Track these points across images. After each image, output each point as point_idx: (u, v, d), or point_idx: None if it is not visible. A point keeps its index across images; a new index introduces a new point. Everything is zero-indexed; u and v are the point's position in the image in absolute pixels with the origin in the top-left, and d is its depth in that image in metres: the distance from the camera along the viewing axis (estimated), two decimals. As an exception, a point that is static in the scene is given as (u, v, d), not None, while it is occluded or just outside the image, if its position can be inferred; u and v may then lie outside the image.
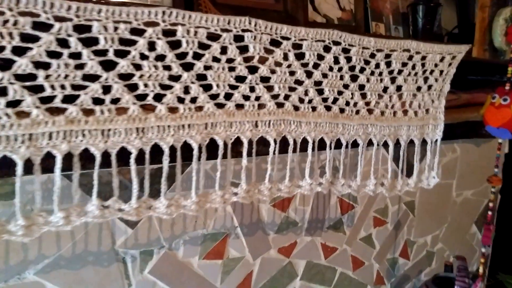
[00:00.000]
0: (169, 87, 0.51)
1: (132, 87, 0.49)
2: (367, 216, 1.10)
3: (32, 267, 0.67)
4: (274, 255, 0.95)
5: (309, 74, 0.61)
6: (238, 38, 0.54)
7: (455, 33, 1.05)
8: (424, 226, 1.26)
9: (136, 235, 0.75)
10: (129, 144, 0.49)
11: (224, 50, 0.53)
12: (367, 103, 0.68)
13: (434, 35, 0.94)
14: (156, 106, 0.51)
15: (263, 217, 0.91)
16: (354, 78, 0.66)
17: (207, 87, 0.54)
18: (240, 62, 0.55)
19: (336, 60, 0.63)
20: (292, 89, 0.60)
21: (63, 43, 0.44)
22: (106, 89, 0.47)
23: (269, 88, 0.59)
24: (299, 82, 0.61)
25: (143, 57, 0.48)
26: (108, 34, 0.45)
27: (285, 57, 0.58)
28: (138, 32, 0.47)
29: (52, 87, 0.44)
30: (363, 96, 0.68)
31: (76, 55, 0.45)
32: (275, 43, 0.57)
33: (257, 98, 0.58)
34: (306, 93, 0.62)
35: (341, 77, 0.64)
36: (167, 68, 0.50)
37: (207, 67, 0.53)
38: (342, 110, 0.66)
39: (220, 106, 0.55)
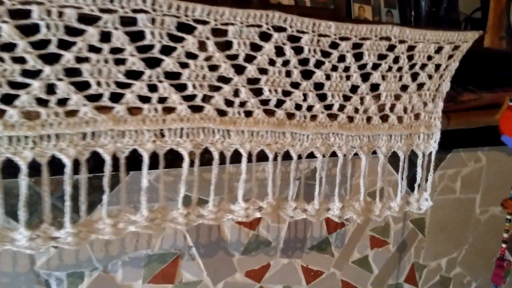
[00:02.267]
0: (24, 86, 0.38)
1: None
2: (362, 236, 0.94)
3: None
4: (241, 279, 0.81)
5: (239, 70, 0.47)
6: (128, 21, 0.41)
7: (476, 18, 0.85)
8: (438, 247, 1.07)
9: (60, 255, 0.64)
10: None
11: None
12: (327, 107, 0.53)
13: (444, 20, 0.75)
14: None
15: (225, 235, 0.77)
16: (307, 74, 0.50)
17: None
18: (132, 53, 0.41)
19: (280, 51, 0.48)
20: (214, 89, 0.46)
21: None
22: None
23: (180, 87, 0.45)
24: (225, 80, 0.47)
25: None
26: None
27: (202, 47, 0.44)
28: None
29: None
30: (322, 97, 0.52)
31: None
32: (185, 28, 0.43)
33: (162, 100, 0.44)
34: (236, 94, 0.48)
35: (288, 73, 0.49)
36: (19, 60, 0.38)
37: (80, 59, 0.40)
38: (290, 116, 0.51)
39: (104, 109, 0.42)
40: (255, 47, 0.46)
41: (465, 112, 0.79)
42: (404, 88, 0.57)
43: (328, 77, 0.51)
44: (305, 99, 0.51)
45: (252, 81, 0.48)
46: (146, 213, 0.46)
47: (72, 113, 0.40)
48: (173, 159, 0.47)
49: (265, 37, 0.46)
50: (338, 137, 0.54)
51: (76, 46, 0.39)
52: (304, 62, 0.50)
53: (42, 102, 0.39)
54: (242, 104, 0.48)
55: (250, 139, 0.49)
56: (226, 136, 0.48)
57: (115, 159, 0.44)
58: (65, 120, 0.40)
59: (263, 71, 0.48)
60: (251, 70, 0.47)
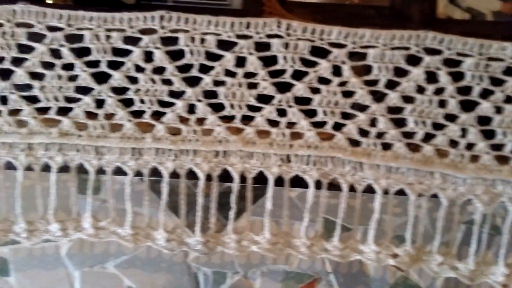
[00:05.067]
0: (170, 104, 0.43)
1: (127, 102, 0.44)
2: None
3: (112, 260, 0.72)
4: (383, 320, 0.73)
5: (378, 97, 0.42)
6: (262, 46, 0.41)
7: None
8: None
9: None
10: (124, 165, 0.45)
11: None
12: (496, 147, 0.42)
13: None
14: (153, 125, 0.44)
15: (368, 269, 0.71)
16: (468, 105, 0.41)
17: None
18: (264, 77, 0.42)
19: (432, 77, 0.41)
20: (347, 116, 0.43)
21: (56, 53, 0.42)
22: (99, 104, 0.44)
23: (310, 113, 0.43)
24: (360, 107, 0.42)
25: (139, 69, 0.42)
26: (100, 43, 0.42)
27: (336, 72, 0.41)
28: (133, 41, 0.42)
29: (47, 98, 0.43)
30: (488, 134, 0.42)
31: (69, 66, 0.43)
32: (320, 52, 0.41)
33: (290, 125, 0.43)
34: (372, 123, 0.43)
35: (442, 103, 0.41)
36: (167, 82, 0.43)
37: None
38: (441, 153, 0.43)
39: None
40: (400, 72, 0.41)
41: None
42: None
43: (498, 110, 0.41)
44: (463, 135, 0.42)
45: (393, 110, 0.42)
46: (269, 236, 0.46)
47: (207, 132, 0.44)
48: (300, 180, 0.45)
49: (414, 60, 0.40)
50: (509, 186, 0.43)
51: (214, 70, 0.42)
52: (465, 90, 0.41)
53: (183, 120, 0.43)
54: (380, 135, 0.43)
55: (387, 175, 0.43)
56: (358, 169, 0.43)
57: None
58: (201, 138, 0.44)
59: (407, 99, 0.41)
60: (393, 98, 0.41)
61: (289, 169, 0.44)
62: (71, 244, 0.72)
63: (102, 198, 0.68)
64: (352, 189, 0.44)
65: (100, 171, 0.45)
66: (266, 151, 0.43)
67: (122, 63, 0.42)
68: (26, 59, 0.42)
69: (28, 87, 0.43)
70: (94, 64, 0.42)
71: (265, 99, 0.43)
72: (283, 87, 0.42)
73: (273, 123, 0.43)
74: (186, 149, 0.44)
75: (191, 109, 0.43)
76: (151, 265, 0.72)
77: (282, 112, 0.43)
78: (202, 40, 0.41)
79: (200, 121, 0.44)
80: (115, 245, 0.72)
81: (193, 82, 0.42)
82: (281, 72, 0.42)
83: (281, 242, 0.46)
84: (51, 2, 0.45)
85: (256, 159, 0.44)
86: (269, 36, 0.41)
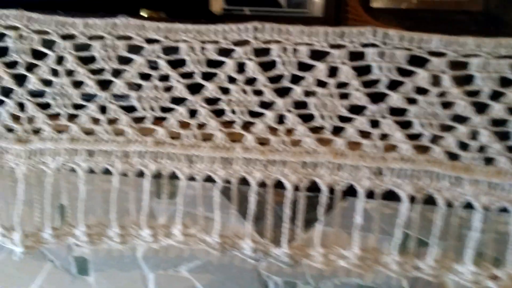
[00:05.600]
0: (260, 115, 0.44)
1: (219, 113, 0.44)
2: None
3: (185, 264, 0.74)
4: None
5: (480, 108, 0.40)
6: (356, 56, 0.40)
7: None
8: None
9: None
10: (213, 174, 0.45)
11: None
12: None
13: None
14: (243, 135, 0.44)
15: (448, 287, 0.67)
16: None
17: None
18: (358, 87, 0.41)
19: None
20: (445, 128, 0.41)
21: (153, 65, 0.44)
22: (192, 114, 0.45)
23: (405, 125, 0.41)
24: (460, 119, 0.40)
25: (231, 80, 0.43)
26: (195, 55, 0.43)
27: (435, 81, 0.40)
28: (226, 52, 0.42)
29: (143, 108, 0.45)
30: None
31: (166, 77, 0.44)
32: (417, 61, 0.39)
33: (383, 137, 0.42)
34: (473, 136, 0.40)
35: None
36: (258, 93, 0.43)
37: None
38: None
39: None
40: (506, 82, 0.38)
41: None
42: None
43: None
44: None
45: (497, 122, 0.39)
46: (358, 251, 0.45)
47: (296, 143, 0.43)
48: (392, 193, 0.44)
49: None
50: None
51: (306, 81, 0.42)
52: None
53: (272, 130, 0.44)
54: (482, 148, 0.40)
55: (488, 191, 0.41)
56: (457, 184, 0.41)
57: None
58: (290, 149, 0.43)
59: (514, 111, 0.39)
60: (497, 110, 0.39)
61: (381, 183, 0.42)
62: (147, 247, 0.75)
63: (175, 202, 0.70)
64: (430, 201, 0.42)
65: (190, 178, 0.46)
66: (356, 163, 0.42)
67: (215, 74, 0.43)
68: (125, 70, 0.44)
69: (126, 97, 0.45)
70: (189, 75, 0.44)
71: (356, 109, 0.42)
72: (377, 98, 0.41)
73: (365, 134, 0.42)
74: (274, 160, 0.44)
75: (280, 119, 0.43)
76: (223, 271, 0.73)
77: (375, 123, 0.42)
78: (294, 51, 0.41)
79: (289, 131, 0.44)
80: (188, 250, 0.74)
81: (283, 92, 0.42)
82: (375, 82, 0.41)
83: (370, 257, 0.45)
84: (145, 15, 0.47)
85: (345, 171, 0.43)
86: (364, 45, 0.40)
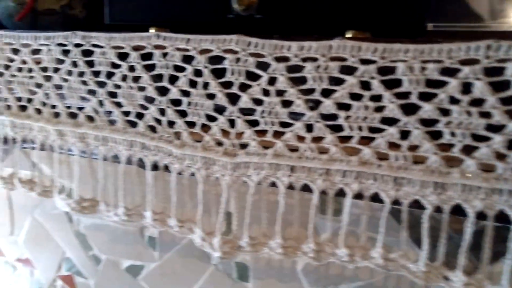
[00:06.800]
0: (484, 139, 0.40)
1: (435, 135, 0.42)
2: None
3: (347, 283, 0.73)
4: None
5: None
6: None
7: None
8: None
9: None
10: (423, 198, 0.43)
11: None
12: None
13: None
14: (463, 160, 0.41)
15: None
16: None
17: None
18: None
19: None
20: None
21: (365, 85, 0.44)
22: (403, 135, 0.43)
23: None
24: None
25: (453, 101, 0.41)
26: (413, 75, 0.41)
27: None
28: (450, 72, 0.40)
29: (350, 127, 0.45)
30: None
31: (376, 98, 0.44)
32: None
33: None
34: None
35: None
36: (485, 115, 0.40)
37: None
38: None
39: None
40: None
41: None
42: None
43: None
44: None
45: None
46: None
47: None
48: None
49: None
50: None
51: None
52: None
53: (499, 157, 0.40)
54: None
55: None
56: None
57: None
58: (517, 176, 0.39)
59: None
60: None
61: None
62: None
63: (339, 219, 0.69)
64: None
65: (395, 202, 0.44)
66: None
67: (435, 95, 0.41)
68: (335, 90, 0.45)
69: (334, 116, 0.45)
70: (404, 95, 0.42)
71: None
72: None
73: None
74: (500, 189, 0.40)
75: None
76: (388, 296, 0.70)
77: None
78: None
79: None
80: (351, 269, 0.72)
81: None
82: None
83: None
84: (350, 36, 0.46)
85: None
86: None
